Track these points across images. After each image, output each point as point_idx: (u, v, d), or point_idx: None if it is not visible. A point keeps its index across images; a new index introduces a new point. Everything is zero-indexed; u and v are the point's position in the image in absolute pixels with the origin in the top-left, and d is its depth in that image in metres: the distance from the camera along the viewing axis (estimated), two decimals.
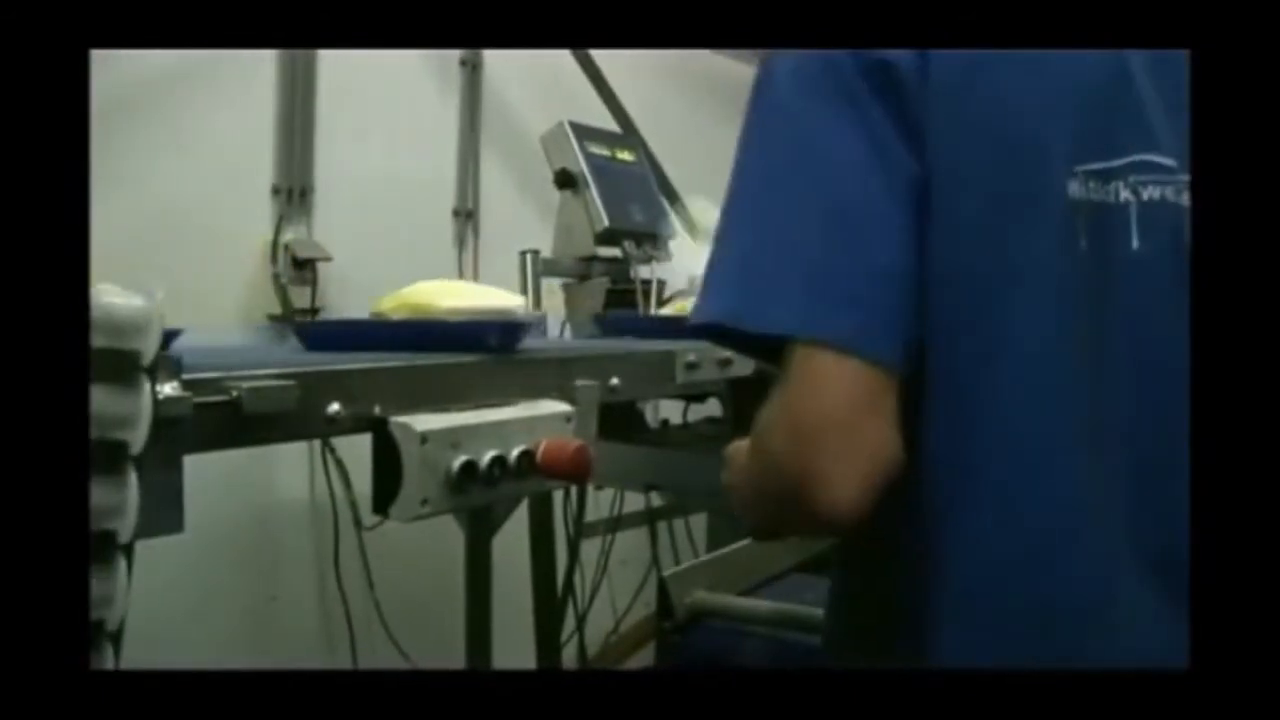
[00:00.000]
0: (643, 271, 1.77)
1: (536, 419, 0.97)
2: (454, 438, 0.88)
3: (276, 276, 1.85)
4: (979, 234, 0.61)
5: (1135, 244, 0.64)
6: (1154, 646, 0.61)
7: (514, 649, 1.83)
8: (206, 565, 1.71)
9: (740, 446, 0.81)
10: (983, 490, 0.61)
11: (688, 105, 2.66)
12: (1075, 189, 0.62)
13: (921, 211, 0.60)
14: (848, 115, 0.59)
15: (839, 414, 0.58)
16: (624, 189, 1.78)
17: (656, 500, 1.84)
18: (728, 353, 1.37)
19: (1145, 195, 0.64)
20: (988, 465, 0.61)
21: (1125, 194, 0.64)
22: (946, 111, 0.60)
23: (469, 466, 0.89)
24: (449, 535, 1.79)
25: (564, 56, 2.19)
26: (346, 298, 1.95)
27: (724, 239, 0.63)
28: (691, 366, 1.31)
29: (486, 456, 0.91)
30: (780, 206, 0.60)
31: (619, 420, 1.50)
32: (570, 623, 1.81)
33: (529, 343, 1.25)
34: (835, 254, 0.59)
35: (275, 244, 1.86)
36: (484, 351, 1.02)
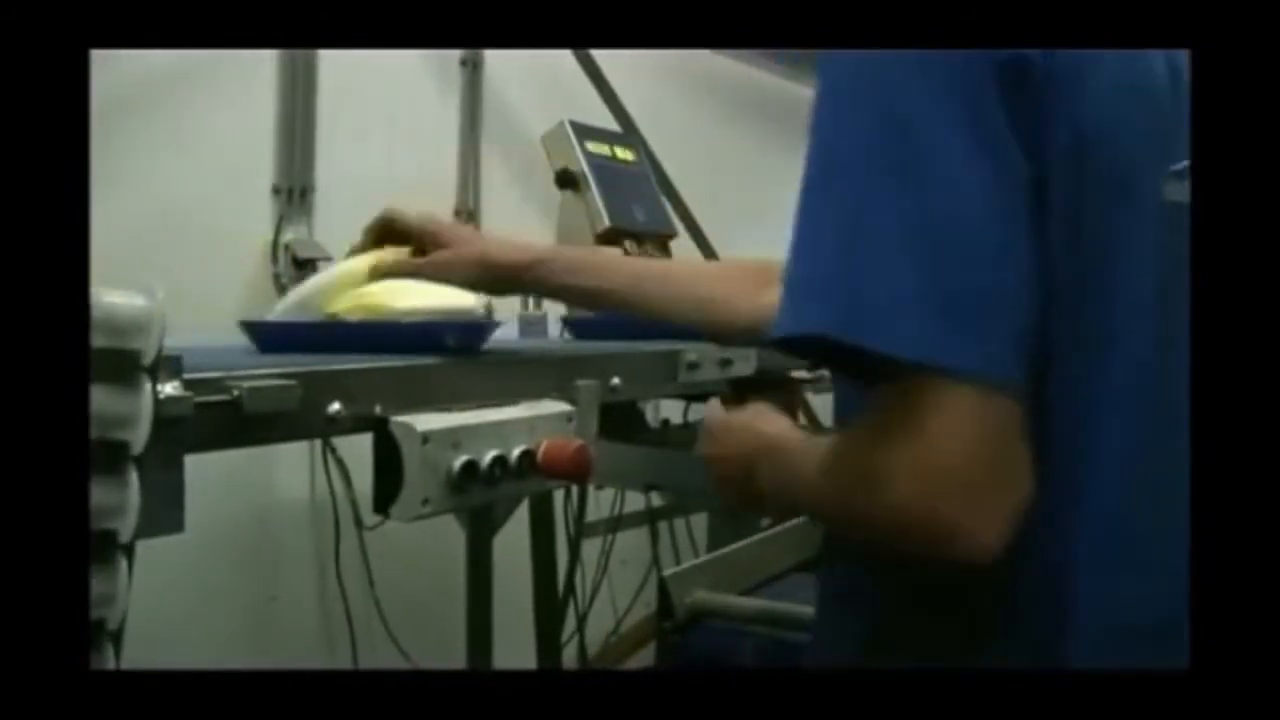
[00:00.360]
0: None
1: (537, 419, 0.97)
2: (455, 437, 0.88)
3: (277, 277, 1.85)
4: (1085, 238, 0.59)
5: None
6: None
7: (514, 649, 1.83)
8: (206, 565, 1.71)
9: (724, 417, 0.81)
10: (1095, 498, 0.61)
11: (688, 105, 2.66)
12: (1171, 189, 0.61)
13: (1035, 217, 0.57)
14: (969, 120, 0.55)
15: (983, 462, 0.54)
16: (625, 188, 1.78)
17: (657, 500, 1.84)
18: (728, 352, 1.37)
19: None
20: (1095, 483, 0.60)
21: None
22: (1066, 109, 0.57)
23: (470, 466, 0.89)
24: (450, 535, 1.79)
25: (564, 56, 2.19)
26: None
27: (827, 241, 0.57)
28: (693, 366, 1.31)
29: (487, 456, 0.91)
30: (897, 215, 0.55)
31: (619, 420, 1.50)
32: (571, 622, 1.81)
33: (530, 343, 1.25)
34: (962, 274, 0.54)
35: (276, 244, 1.86)
36: (442, 354, 0.98)
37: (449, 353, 0.99)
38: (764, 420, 0.77)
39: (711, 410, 0.86)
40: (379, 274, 1.03)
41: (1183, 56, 0.63)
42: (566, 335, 1.45)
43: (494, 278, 1.01)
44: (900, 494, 0.55)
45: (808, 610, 1.11)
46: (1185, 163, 0.61)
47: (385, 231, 1.06)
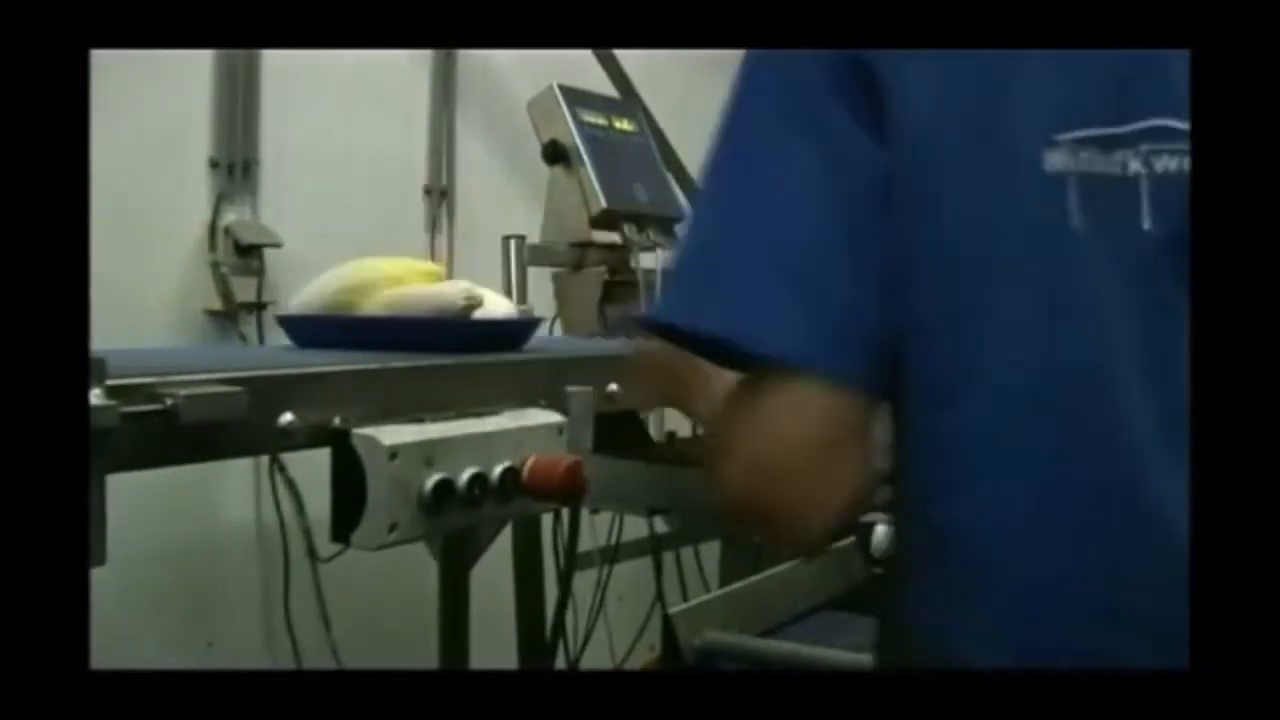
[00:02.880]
0: (645, 260, 1.77)
1: (523, 431, 0.97)
2: (427, 452, 0.88)
3: (216, 265, 1.85)
4: (953, 219, 0.64)
5: (1146, 224, 0.65)
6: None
7: None
8: (131, 604, 1.70)
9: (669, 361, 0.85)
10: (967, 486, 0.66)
11: (694, 67, 2.66)
12: (1058, 159, 0.64)
13: (888, 211, 0.64)
14: (805, 121, 0.65)
15: (802, 450, 0.64)
16: (624, 163, 1.78)
17: (661, 526, 1.83)
18: None
19: (1159, 167, 0.65)
20: (972, 462, 0.66)
21: (1135, 165, 0.65)
22: (916, 95, 0.64)
23: (444, 486, 0.89)
24: (419, 567, 1.78)
25: None
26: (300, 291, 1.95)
27: (693, 233, 0.69)
28: None
29: (465, 474, 0.90)
30: (731, 218, 0.67)
31: (618, 432, 1.49)
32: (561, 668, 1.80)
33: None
34: (794, 271, 0.64)
35: (214, 227, 1.85)
36: None
37: None
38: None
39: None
40: None
41: None
42: (558, 334, 1.41)
43: None
44: (730, 479, 0.66)
45: (837, 655, 1.11)
46: (1083, 131, 0.64)
47: None
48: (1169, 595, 0.62)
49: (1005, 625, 0.65)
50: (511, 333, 1.19)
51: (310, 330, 1.17)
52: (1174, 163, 0.65)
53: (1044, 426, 0.65)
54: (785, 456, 0.64)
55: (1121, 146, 0.65)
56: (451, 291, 1.14)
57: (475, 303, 1.13)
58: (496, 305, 1.22)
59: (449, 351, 1.04)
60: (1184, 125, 0.65)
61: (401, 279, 1.19)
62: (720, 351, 0.65)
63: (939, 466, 0.67)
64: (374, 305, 1.17)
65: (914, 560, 0.69)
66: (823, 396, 0.63)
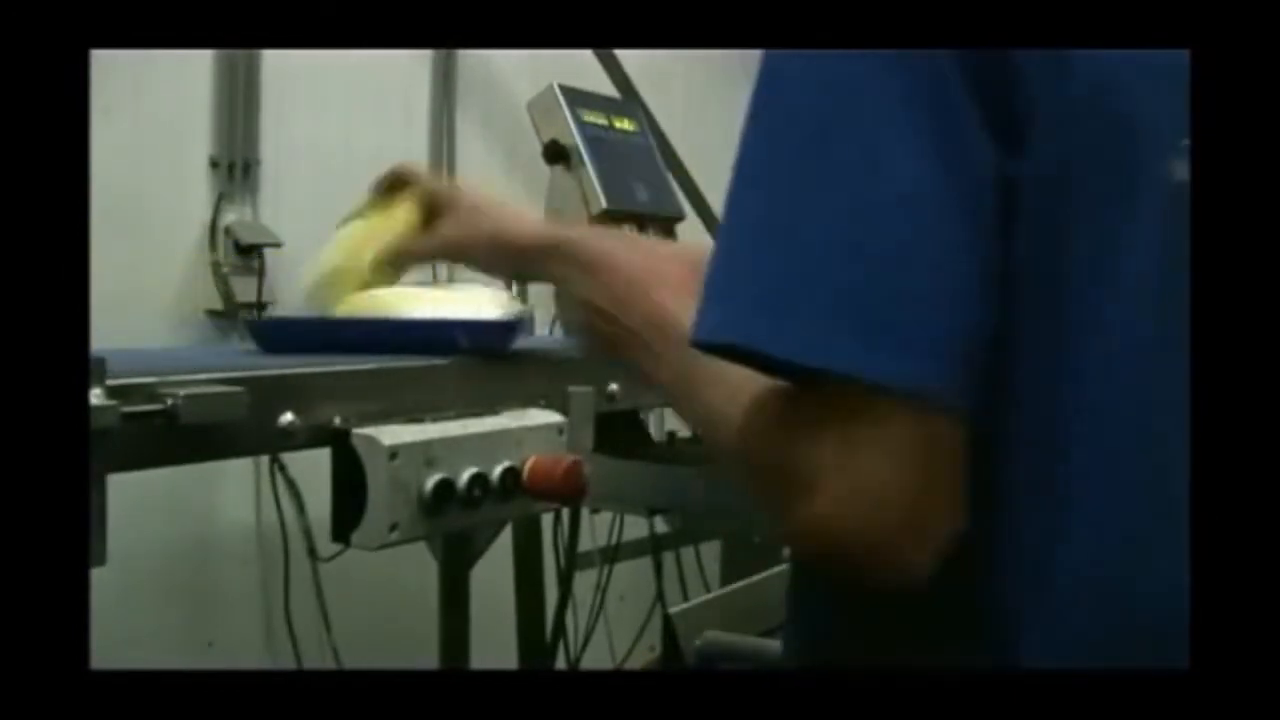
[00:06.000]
0: None
1: (523, 431, 0.97)
2: (428, 453, 0.88)
3: (216, 265, 1.85)
4: (1078, 225, 0.62)
5: None
6: None
7: None
8: (131, 604, 1.70)
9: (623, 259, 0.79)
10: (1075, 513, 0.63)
11: (696, 66, 2.66)
12: (1175, 169, 0.62)
13: (1007, 219, 0.59)
14: (928, 121, 0.57)
15: (913, 487, 0.57)
16: (624, 164, 1.78)
17: (661, 526, 1.83)
18: None
19: None
20: (1081, 494, 0.63)
21: None
22: (1047, 98, 0.60)
23: (444, 486, 0.89)
24: (420, 567, 1.78)
25: None
26: (300, 290, 1.95)
27: (754, 239, 0.59)
28: None
29: (465, 474, 0.90)
30: (835, 217, 0.57)
31: (618, 432, 1.49)
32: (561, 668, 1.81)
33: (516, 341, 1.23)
34: (899, 283, 0.56)
35: (214, 227, 1.85)
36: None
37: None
38: (665, 294, 0.75)
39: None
40: (383, 260, 1.05)
41: None
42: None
43: (511, 263, 0.99)
44: (826, 508, 0.57)
45: None
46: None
47: (394, 188, 1.07)
48: None
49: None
50: None
51: None
52: None
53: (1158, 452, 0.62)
54: (893, 488, 0.57)
55: None
56: None
57: None
58: None
59: None
60: None
61: None
62: (787, 369, 0.57)
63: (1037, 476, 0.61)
64: None
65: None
66: (930, 425, 0.56)
